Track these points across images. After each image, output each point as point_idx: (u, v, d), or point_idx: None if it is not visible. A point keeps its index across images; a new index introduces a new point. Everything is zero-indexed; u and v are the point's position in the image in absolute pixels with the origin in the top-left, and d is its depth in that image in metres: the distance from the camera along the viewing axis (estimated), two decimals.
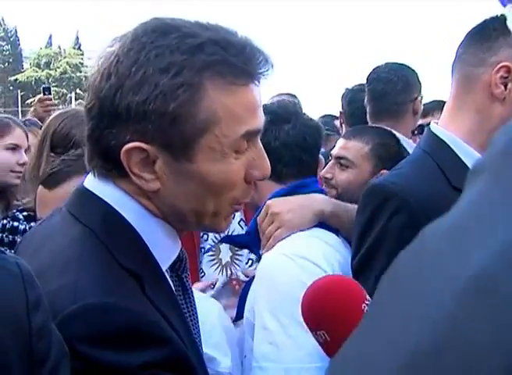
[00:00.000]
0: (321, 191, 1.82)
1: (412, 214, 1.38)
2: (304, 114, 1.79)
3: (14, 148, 2.67)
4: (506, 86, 1.44)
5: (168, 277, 1.04)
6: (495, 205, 0.38)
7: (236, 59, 0.93)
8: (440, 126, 1.54)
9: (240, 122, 0.95)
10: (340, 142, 2.34)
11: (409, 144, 2.71)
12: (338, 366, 0.44)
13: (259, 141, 1.04)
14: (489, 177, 0.40)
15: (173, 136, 0.92)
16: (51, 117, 2.42)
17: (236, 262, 2.39)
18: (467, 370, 0.32)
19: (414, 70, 2.89)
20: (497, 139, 0.43)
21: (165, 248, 1.03)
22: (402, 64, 2.92)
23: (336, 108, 3.64)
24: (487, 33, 1.48)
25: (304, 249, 1.57)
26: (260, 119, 1.00)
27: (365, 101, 2.91)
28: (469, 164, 1.44)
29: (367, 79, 2.94)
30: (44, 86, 3.94)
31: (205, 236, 2.37)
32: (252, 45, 0.96)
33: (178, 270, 1.10)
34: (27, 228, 2.35)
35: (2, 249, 0.78)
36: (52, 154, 2.23)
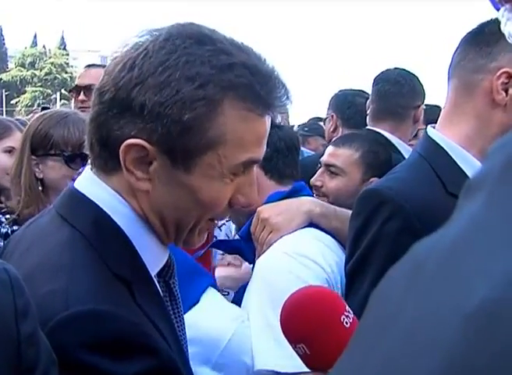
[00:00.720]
0: (311, 195, 1.88)
1: (407, 219, 1.37)
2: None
3: (11, 150, 2.62)
4: (507, 92, 1.43)
5: (156, 283, 1.03)
6: (494, 228, 0.36)
7: (260, 87, 0.93)
8: (437, 131, 1.53)
9: (245, 149, 0.96)
10: (329, 149, 2.34)
11: (405, 149, 2.70)
12: None
13: (254, 168, 1.04)
14: (487, 196, 0.39)
15: (178, 145, 0.92)
16: (31, 120, 2.39)
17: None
18: None
19: (420, 81, 2.88)
20: (493, 154, 0.41)
21: (154, 254, 1.02)
22: (411, 72, 2.92)
23: (322, 110, 3.63)
24: (485, 37, 1.46)
25: (303, 247, 1.60)
26: (263, 150, 1.00)
27: (368, 101, 2.91)
28: (466, 170, 1.44)
29: (374, 79, 2.93)
30: (43, 107, 3.80)
31: (214, 238, 2.32)
32: (277, 77, 0.96)
33: (165, 276, 1.09)
34: (9, 232, 2.29)
35: None
36: (33, 157, 2.21)
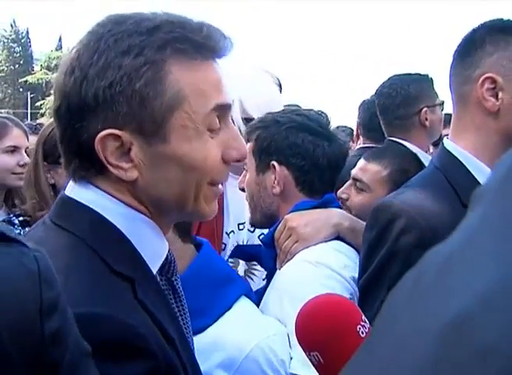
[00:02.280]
0: (340, 208, 1.83)
1: (421, 233, 1.34)
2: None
3: (13, 150, 2.64)
4: (497, 97, 1.40)
5: (158, 280, 1.03)
6: (483, 243, 0.37)
7: (193, 35, 0.94)
8: (452, 142, 1.50)
9: (208, 96, 0.96)
10: (360, 163, 2.30)
11: (426, 158, 2.64)
12: None
13: (231, 121, 1.03)
14: (483, 209, 0.40)
15: (144, 117, 0.92)
16: (44, 126, 2.43)
17: (251, 276, 2.32)
18: None
19: (424, 78, 2.80)
20: (498, 165, 0.42)
21: (153, 250, 1.01)
22: (408, 75, 2.85)
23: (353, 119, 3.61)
24: (465, 48, 1.46)
25: (327, 258, 1.58)
26: (227, 95, 1.00)
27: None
28: (481, 181, 1.39)
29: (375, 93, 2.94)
30: None
31: (223, 245, 2.31)
32: (209, 25, 0.96)
33: (167, 273, 1.08)
34: (22, 233, 2.32)
35: (24, 240, 0.69)
36: (45, 163, 2.27)
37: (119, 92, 0.90)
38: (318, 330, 0.94)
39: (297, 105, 3.60)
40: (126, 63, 0.90)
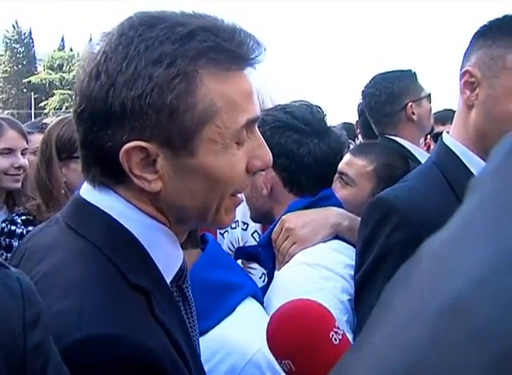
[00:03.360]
0: (340, 204, 1.78)
1: (414, 229, 1.33)
2: (334, 127, 1.75)
3: (8, 152, 2.63)
4: (474, 91, 1.42)
5: (171, 290, 1.01)
6: (476, 228, 0.38)
7: (228, 44, 0.89)
8: (450, 136, 1.50)
9: (240, 110, 0.92)
10: (346, 157, 2.29)
11: (419, 153, 2.67)
12: None
13: (257, 128, 1.00)
14: (477, 197, 0.40)
15: (172, 130, 0.88)
16: (50, 125, 2.41)
17: (247, 274, 2.32)
18: None
19: (406, 74, 2.85)
20: (492, 155, 0.43)
21: (169, 260, 0.99)
22: (390, 72, 2.90)
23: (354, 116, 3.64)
24: (471, 41, 1.47)
25: (326, 259, 1.55)
26: (257, 106, 0.97)
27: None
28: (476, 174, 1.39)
29: None
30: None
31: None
32: (242, 30, 0.92)
33: (179, 281, 1.05)
34: (24, 232, 2.34)
35: (5, 263, 0.75)
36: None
37: (148, 104, 0.86)
38: (289, 338, 0.92)
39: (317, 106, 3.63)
40: (157, 74, 0.86)
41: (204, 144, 0.90)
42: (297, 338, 0.91)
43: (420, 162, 2.33)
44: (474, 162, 1.42)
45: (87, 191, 0.98)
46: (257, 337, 1.40)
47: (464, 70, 1.43)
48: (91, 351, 0.81)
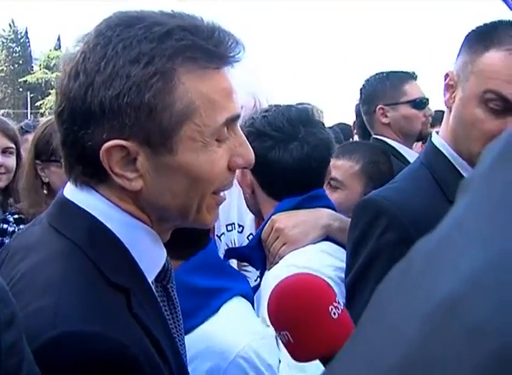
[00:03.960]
0: (331, 204, 1.76)
1: (404, 230, 1.34)
2: (318, 123, 1.71)
3: None
4: (453, 94, 1.45)
5: (153, 289, 1.01)
6: (469, 227, 0.38)
7: (205, 43, 0.90)
8: (439, 137, 1.51)
9: (219, 109, 0.92)
10: (331, 161, 2.29)
11: (409, 154, 2.69)
12: None
13: (238, 126, 1.00)
14: (469, 197, 0.41)
15: (151, 129, 0.89)
16: (38, 126, 2.43)
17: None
18: None
19: (389, 76, 2.87)
20: (483, 156, 0.43)
21: (151, 259, 0.99)
22: (381, 73, 2.94)
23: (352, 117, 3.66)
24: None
25: (315, 261, 1.54)
26: (237, 105, 0.97)
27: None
28: (465, 175, 1.41)
29: None
30: None
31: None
32: (221, 29, 0.93)
33: (163, 280, 1.06)
34: (16, 230, 2.34)
35: None
36: (38, 161, 2.26)
37: (126, 103, 0.87)
38: (287, 309, 0.92)
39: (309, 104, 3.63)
40: (134, 73, 0.86)
41: (184, 142, 0.91)
42: (295, 310, 0.91)
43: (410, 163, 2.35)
44: (459, 162, 1.43)
45: (70, 191, 0.98)
46: (241, 334, 1.41)
47: (445, 73, 1.45)
48: (66, 349, 0.81)
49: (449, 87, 1.45)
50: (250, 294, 1.54)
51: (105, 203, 0.95)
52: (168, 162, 0.91)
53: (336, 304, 0.92)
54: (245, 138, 1.00)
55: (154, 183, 0.93)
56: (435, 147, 1.48)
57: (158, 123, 0.89)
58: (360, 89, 2.95)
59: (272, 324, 0.96)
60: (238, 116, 0.98)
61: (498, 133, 1.33)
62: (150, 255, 0.99)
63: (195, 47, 0.89)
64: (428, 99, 2.84)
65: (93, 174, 0.94)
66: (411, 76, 2.88)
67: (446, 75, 1.45)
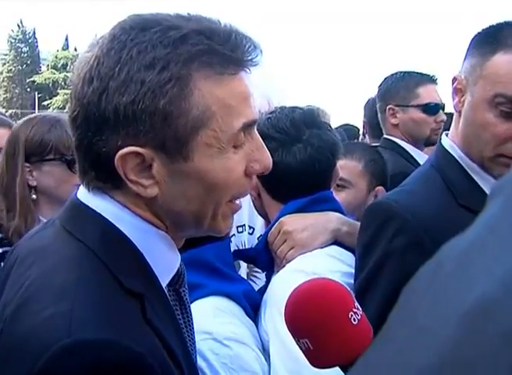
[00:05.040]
0: (339, 207, 1.73)
1: (414, 234, 1.33)
2: (324, 124, 1.69)
3: None
4: (462, 97, 1.44)
5: (167, 293, 1.00)
6: (504, 231, 0.38)
7: (222, 47, 0.88)
8: (449, 139, 1.49)
9: (236, 114, 0.91)
10: None
11: (419, 155, 2.67)
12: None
13: (256, 131, 0.99)
14: (503, 201, 0.41)
15: (167, 135, 0.88)
16: (16, 126, 2.21)
17: (253, 279, 2.29)
18: None
19: (405, 77, 2.84)
20: None
21: (165, 264, 0.99)
22: (401, 72, 2.91)
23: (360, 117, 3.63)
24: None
25: (321, 267, 1.51)
26: (254, 109, 0.96)
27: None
28: (477, 179, 1.41)
29: None
30: None
31: None
32: (238, 32, 0.91)
33: (176, 284, 1.05)
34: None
35: None
36: (27, 164, 2.08)
37: (141, 109, 0.85)
38: (306, 317, 0.92)
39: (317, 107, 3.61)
40: (149, 78, 0.85)
41: (200, 148, 0.89)
42: (314, 317, 0.90)
43: (419, 164, 2.34)
44: (469, 165, 1.42)
45: (84, 194, 0.97)
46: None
47: (453, 77, 1.45)
48: (80, 357, 0.80)
49: (458, 91, 1.44)
50: (238, 296, 1.51)
51: (119, 207, 0.94)
52: (183, 169, 0.90)
53: (355, 309, 0.92)
54: (262, 143, 0.99)
55: (170, 189, 0.92)
56: (445, 149, 1.47)
57: (173, 130, 0.87)
58: (379, 86, 2.92)
59: (291, 331, 0.95)
60: (255, 121, 0.97)
61: (509, 136, 1.31)
62: (164, 259, 0.98)
63: (211, 51, 0.88)
64: (443, 105, 2.78)
65: (107, 180, 0.93)
66: (430, 79, 2.82)
67: (454, 79, 1.45)
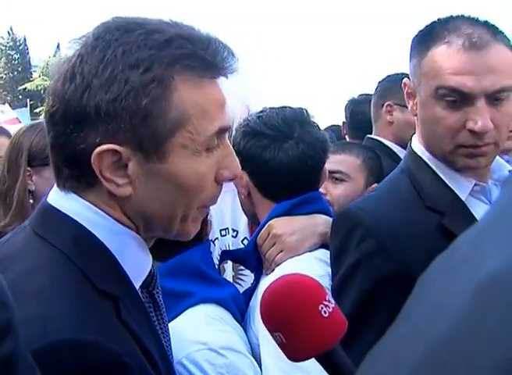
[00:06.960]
0: (326, 207, 1.75)
1: (379, 241, 1.34)
2: (313, 123, 1.70)
3: None
4: (414, 100, 1.47)
5: (140, 295, 1.01)
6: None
7: (203, 52, 0.91)
8: (418, 141, 1.50)
9: (211, 119, 0.93)
10: (332, 158, 2.30)
11: (403, 154, 2.68)
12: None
13: (227, 138, 1.01)
14: None
15: (145, 135, 0.89)
16: (20, 131, 2.24)
17: (239, 281, 2.29)
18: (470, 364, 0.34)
19: (393, 78, 2.82)
20: None
21: (138, 266, 0.99)
22: (400, 73, 2.84)
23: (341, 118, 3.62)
24: None
25: (310, 270, 1.51)
26: (228, 116, 0.99)
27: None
28: (444, 178, 1.42)
29: None
30: None
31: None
32: (216, 40, 0.94)
33: (149, 286, 1.06)
34: None
35: None
36: (28, 168, 2.12)
37: (122, 108, 0.87)
38: (277, 310, 0.93)
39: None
40: (133, 78, 0.87)
41: (175, 149, 0.91)
42: (284, 311, 0.92)
43: None
44: (435, 163, 1.44)
45: (55, 198, 0.97)
46: (186, 342, 1.38)
47: (403, 82, 1.48)
48: (57, 358, 0.80)
49: (410, 96, 1.46)
50: (227, 302, 1.51)
51: (91, 210, 0.94)
52: (158, 170, 0.91)
53: (325, 302, 0.92)
54: (233, 150, 1.01)
55: (143, 190, 0.93)
56: (415, 152, 1.49)
57: (152, 129, 0.89)
58: (379, 81, 2.91)
59: (265, 325, 0.96)
60: (228, 128, 0.99)
61: (461, 126, 1.34)
62: (136, 261, 0.98)
63: (193, 56, 0.91)
64: None
65: (81, 178, 0.93)
66: None
67: (404, 84, 1.48)
